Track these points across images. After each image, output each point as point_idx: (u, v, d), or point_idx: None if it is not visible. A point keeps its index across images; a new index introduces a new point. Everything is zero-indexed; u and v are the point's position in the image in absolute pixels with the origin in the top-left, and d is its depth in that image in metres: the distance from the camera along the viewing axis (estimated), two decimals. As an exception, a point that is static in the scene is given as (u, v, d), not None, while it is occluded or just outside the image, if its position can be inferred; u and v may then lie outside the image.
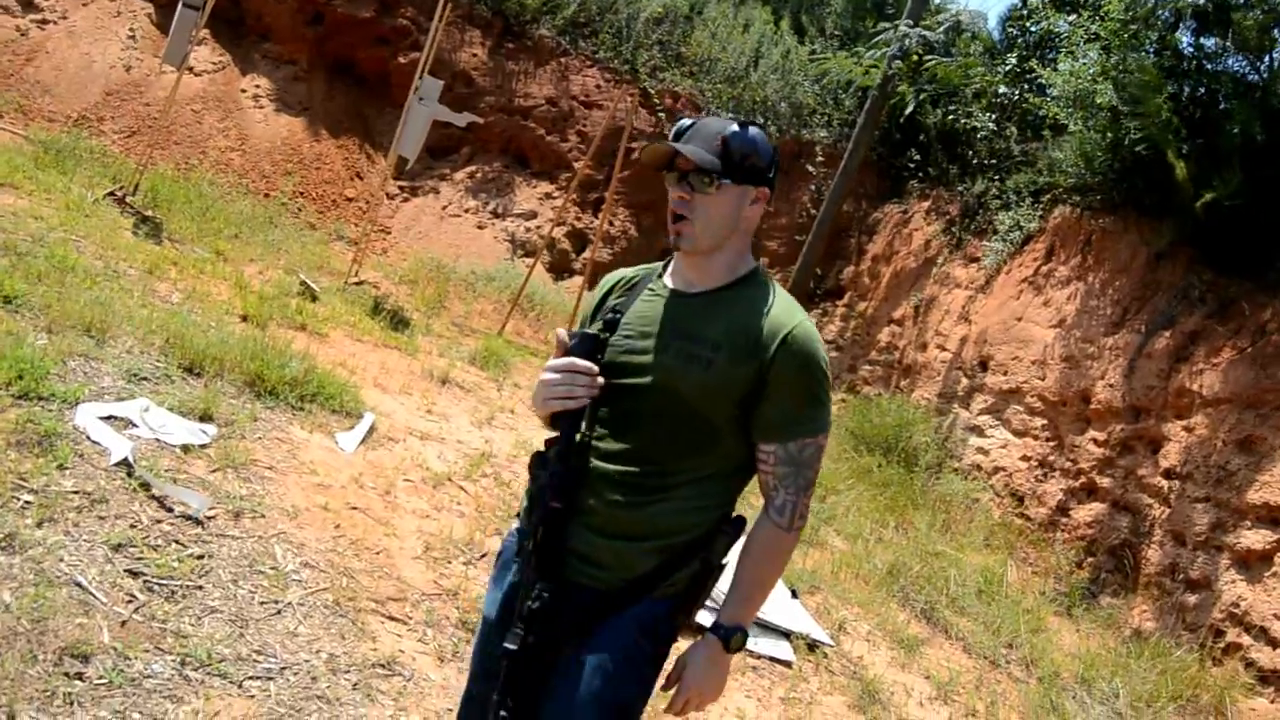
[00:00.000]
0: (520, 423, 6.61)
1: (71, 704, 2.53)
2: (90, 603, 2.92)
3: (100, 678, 2.65)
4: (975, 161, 11.59)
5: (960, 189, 11.59)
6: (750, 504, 1.92)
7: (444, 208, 12.46)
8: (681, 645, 2.00)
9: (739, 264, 1.97)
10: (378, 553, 4.00)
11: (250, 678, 2.92)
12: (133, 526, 3.38)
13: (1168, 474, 7.26)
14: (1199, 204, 7.61)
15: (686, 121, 1.97)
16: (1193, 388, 7.28)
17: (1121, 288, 8.57)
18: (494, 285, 10.80)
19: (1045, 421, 8.67)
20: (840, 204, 12.06)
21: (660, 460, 1.87)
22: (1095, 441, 8.04)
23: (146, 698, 2.66)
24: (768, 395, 1.85)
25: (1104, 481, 7.81)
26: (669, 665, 1.98)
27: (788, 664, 4.51)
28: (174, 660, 2.84)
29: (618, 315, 1.98)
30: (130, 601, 3.01)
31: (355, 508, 4.29)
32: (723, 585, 1.99)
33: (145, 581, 3.13)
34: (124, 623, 2.90)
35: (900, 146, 13.03)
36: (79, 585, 2.97)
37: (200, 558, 3.39)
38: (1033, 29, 11.61)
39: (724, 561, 1.95)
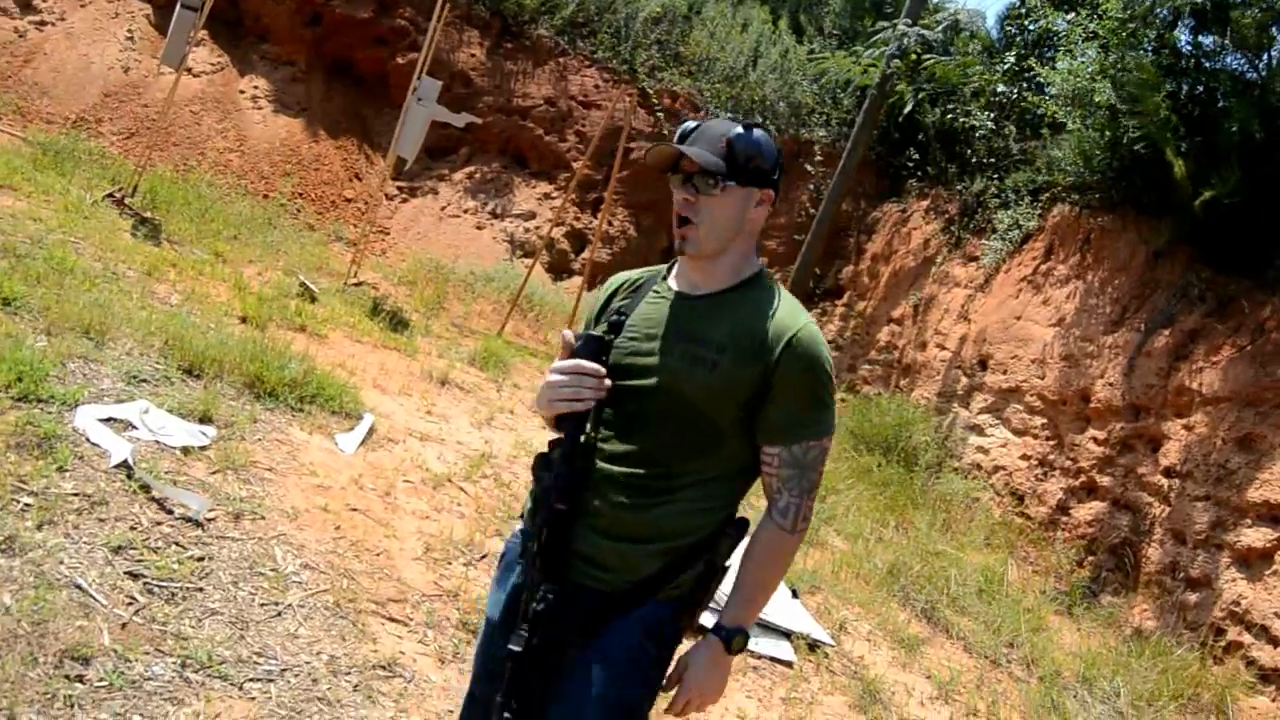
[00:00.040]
0: (520, 423, 6.60)
1: (72, 706, 2.53)
2: (90, 605, 2.92)
3: (101, 680, 2.65)
4: (974, 160, 11.59)
5: (959, 188, 11.60)
6: (752, 506, 1.92)
7: (443, 208, 12.45)
8: (684, 646, 2.00)
9: (744, 266, 1.97)
10: (378, 554, 3.99)
11: (251, 680, 2.91)
12: (133, 529, 3.38)
13: (1168, 472, 7.27)
14: (1198, 202, 7.61)
15: (691, 124, 1.97)
16: (1192, 386, 7.28)
17: (1121, 286, 8.57)
18: (493, 286, 10.79)
19: (1045, 420, 8.67)
20: (839, 203, 12.06)
21: (665, 462, 1.87)
22: (1095, 440, 8.04)
23: (147, 700, 2.66)
24: (772, 398, 1.86)
25: (1104, 480, 7.82)
26: (671, 666, 1.97)
27: (789, 664, 4.51)
28: (174, 662, 2.84)
29: (622, 317, 1.98)
30: (130, 604, 3.00)
31: (355, 509, 4.29)
32: (725, 587, 1.99)
33: (145, 584, 3.13)
34: (124, 625, 2.90)
35: (899, 145, 13.03)
36: (79, 587, 2.96)
37: (200, 560, 3.38)
38: (1031, 27, 11.60)
39: (728, 564, 1.95)
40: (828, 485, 7.60)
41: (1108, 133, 8.71)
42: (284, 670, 3.02)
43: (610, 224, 12.58)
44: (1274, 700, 5.72)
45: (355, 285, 8.75)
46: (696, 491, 1.89)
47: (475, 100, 12.60)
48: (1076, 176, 9.45)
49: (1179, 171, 7.74)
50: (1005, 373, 9.21)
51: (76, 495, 3.42)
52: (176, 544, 3.41)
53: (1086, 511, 7.84)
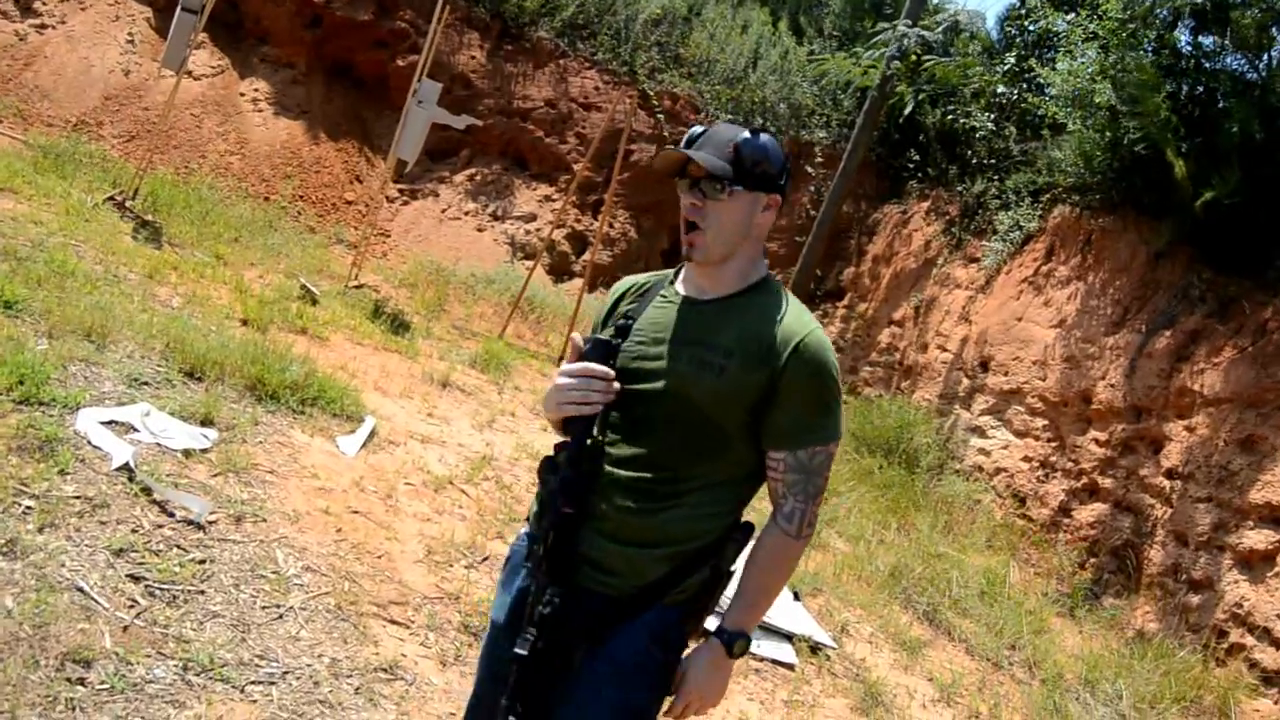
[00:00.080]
0: (521, 425, 6.60)
1: (73, 709, 2.53)
2: (92, 608, 2.91)
3: (102, 683, 2.65)
4: (974, 161, 11.59)
5: (960, 189, 11.60)
6: (757, 510, 1.91)
7: (443, 210, 12.46)
8: (690, 650, 2.00)
9: (751, 271, 1.98)
10: (379, 556, 3.99)
11: (252, 682, 2.91)
12: (134, 531, 3.37)
13: (1169, 474, 7.26)
14: (1198, 203, 7.61)
15: (698, 129, 1.98)
16: (1194, 387, 7.27)
17: (1122, 287, 8.57)
18: (494, 288, 10.79)
19: (1046, 422, 8.67)
20: (840, 205, 12.07)
21: (672, 466, 1.88)
22: (1097, 442, 8.04)
23: (148, 703, 2.65)
24: (779, 402, 1.86)
25: (1106, 482, 7.81)
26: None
27: (790, 666, 4.50)
28: (176, 665, 2.83)
29: (630, 321, 1.99)
30: (132, 606, 3.00)
31: (357, 511, 4.29)
32: (730, 590, 1.99)
33: (147, 586, 3.12)
34: (126, 628, 2.90)
35: (899, 147, 13.03)
36: (80, 590, 2.96)
37: (202, 562, 3.38)
38: (1031, 28, 11.60)
39: (733, 568, 1.95)
40: (829, 487, 7.56)
41: (1108, 133, 8.71)
42: (285, 673, 3.02)
43: (611, 226, 12.59)
44: (1276, 702, 5.71)
45: (356, 288, 8.75)
46: (703, 496, 1.89)
47: (475, 102, 12.61)
48: (1077, 177, 9.45)
49: (1179, 172, 7.74)
50: (1006, 374, 9.20)
51: (78, 498, 3.42)
52: (178, 547, 3.41)
53: (1088, 513, 7.84)
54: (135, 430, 4.05)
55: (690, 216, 1.92)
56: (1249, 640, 6.06)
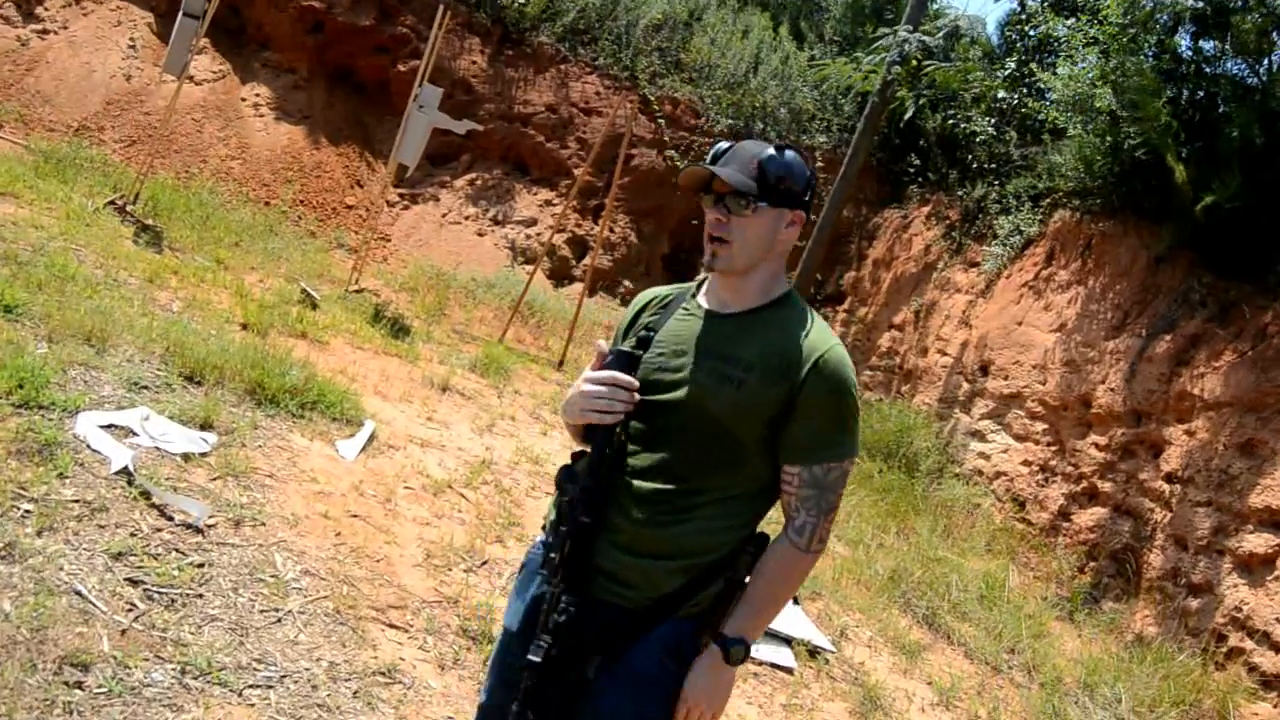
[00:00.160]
0: (521, 430, 6.61)
1: (71, 713, 2.53)
2: (90, 611, 2.92)
3: (100, 687, 2.65)
4: (975, 166, 11.60)
5: (960, 194, 11.60)
6: (774, 522, 1.92)
7: (444, 215, 12.47)
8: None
9: (773, 286, 2.00)
10: (378, 560, 3.99)
11: (250, 686, 2.91)
12: (133, 535, 3.38)
13: (1169, 478, 7.26)
14: (1199, 207, 7.62)
15: (724, 144, 2.01)
16: (1194, 391, 7.27)
17: (1122, 291, 8.57)
18: (494, 292, 10.80)
19: (1046, 426, 8.66)
20: (840, 209, 12.06)
21: (688, 478, 1.89)
22: (1096, 446, 8.04)
23: (146, 706, 2.66)
24: (796, 417, 1.87)
25: (1105, 486, 7.81)
26: None
27: (789, 670, 4.50)
28: (174, 669, 2.84)
29: (651, 333, 2.01)
30: (130, 610, 3.01)
31: (356, 515, 4.29)
32: None
33: (145, 590, 3.13)
34: (124, 631, 2.90)
35: (900, 151, 13.04)
36: (79, 594, 2.97)
37: (200, 566, 3.39)
38: (1031, 33, 11.62)
39: (747, 579, 1.96)
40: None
41: (1109, 138, 8.72)
42: (283, 677, 3.02)
43: (611, 230, 12.59)
44: (1276, 706, 5.71)
45: (356, 292, 8.76)
46: (717, 509, 1.90)
47: (476, 107, 12.62)
48: (1077, 182, 9.46)
49: (1180, 177, 7.74)
50: (1006, 378, 9.20)
51: (77, 502, 3.42)
52: (176, 550, 3.41)
53: (1088, 517, 7.83)
54: (134, 434, 4.05)
55: (715, 232, 1.94)
56: (1248, 644, 6.05)
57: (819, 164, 13.14)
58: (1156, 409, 7.62)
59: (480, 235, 12.39)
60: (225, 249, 8.35)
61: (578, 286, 11.33)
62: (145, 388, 4.61)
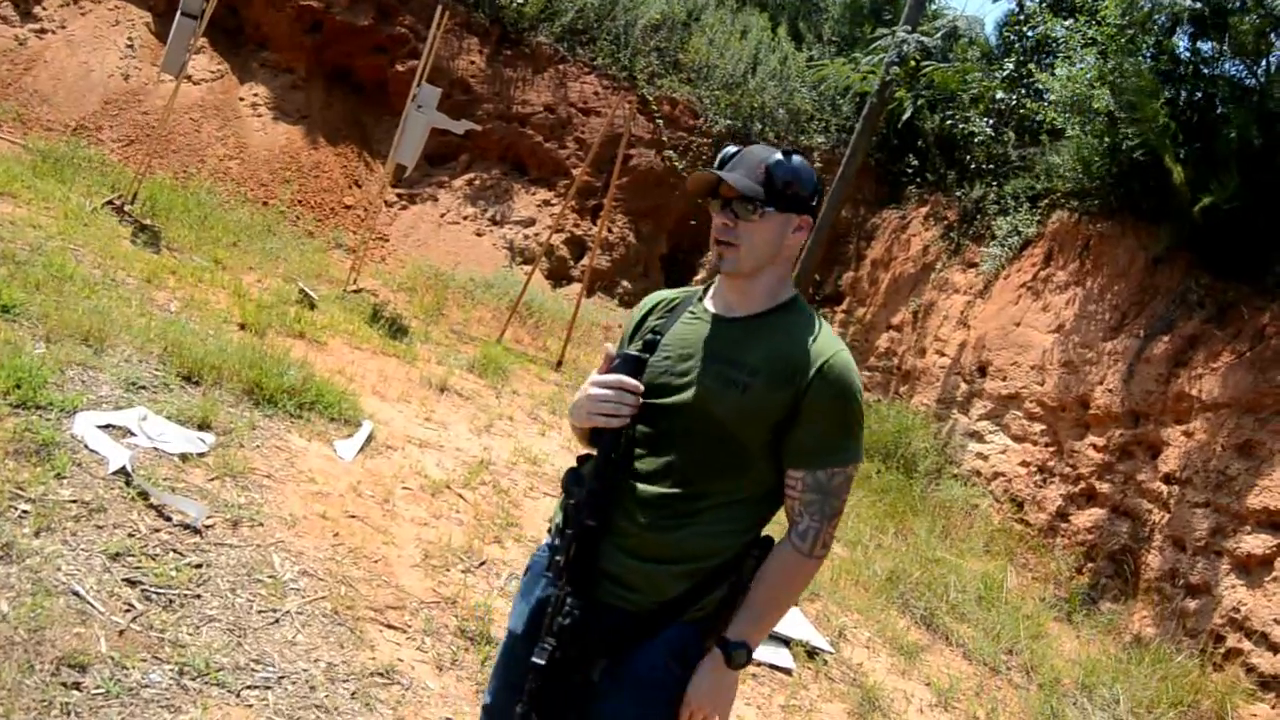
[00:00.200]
0: (519, 430, 6.60)
1: (69, 714, 2.52)
2: (88, 612, 2.91)
3: (98, 687, 2.64)
4: (973, 167, 11.61)
5: (958, 194, 11.61)
6: (780, 524, 1.92)
7: (442, 215, 12.46)
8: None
9: (780, 290, 2.00)
10: (376, 561, 3.99)
11: (248, 687, 2.91)
12: (130, 535, 3.37)
13: (1167, 479, 7.26)
14: (1196, 208, 7.62)
15: (731, 149, 2.01)
16: (1192, 392, 7.28)
17: (1120, 292, 8.57)
18: (492, 292, 10.80)
19: (1044, 427, 8.67)
20: (838, 210, 12.07)
21: (693, 481, 1.89)
22: (1094, 447, 8.04)
23: (144, 707, 2.65)
24: (801, 421, 1.88)
25: (1103, 487, 7.81)
26: None
27: (788, 671, 4.50)
28: (172, 669, 2.83)
29: (657, 337, 2.01)
30: (128, 610, 3.00)
31: (354, 516, 4.29)
32: None
33: (143, 590, 3.12)
34: (122, 632, 2.89)
35: (898, 152, 13.05)
36: (76, 594, 2.96)
37: (198, 566, 3.38)
38: (1030, 34, 11.64)
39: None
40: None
41: (1107, 139, 8.73)
42: (281, 677, 3.01)
43: (609, 231, 12.59)
44: (1274, 707, 5.71)
45: (355, 292, 8.76)
46: (721, 514, 1.90)
47: (475, 107, 12.62)
48: (1075, 183, 9.47)
49: (1178, 178, 7.75)
50: (1004, 379, 9.21)
51: (74, 502, 3.42)
52: (174, 551, 3.41)
53: (1086, 518, 7.83)
54: (132, 434, 4.05)
55: (722, 236, 1.95)
56: (1246, 645, 6.06)
57: (817, 164, 13.15)
58: (1154, 410, 7.62)
59: (478, 235, 12.38)
60: (223, 249, 8.34)
61: (576, 287, 11.33)
62: (143, 388, 4.60)
